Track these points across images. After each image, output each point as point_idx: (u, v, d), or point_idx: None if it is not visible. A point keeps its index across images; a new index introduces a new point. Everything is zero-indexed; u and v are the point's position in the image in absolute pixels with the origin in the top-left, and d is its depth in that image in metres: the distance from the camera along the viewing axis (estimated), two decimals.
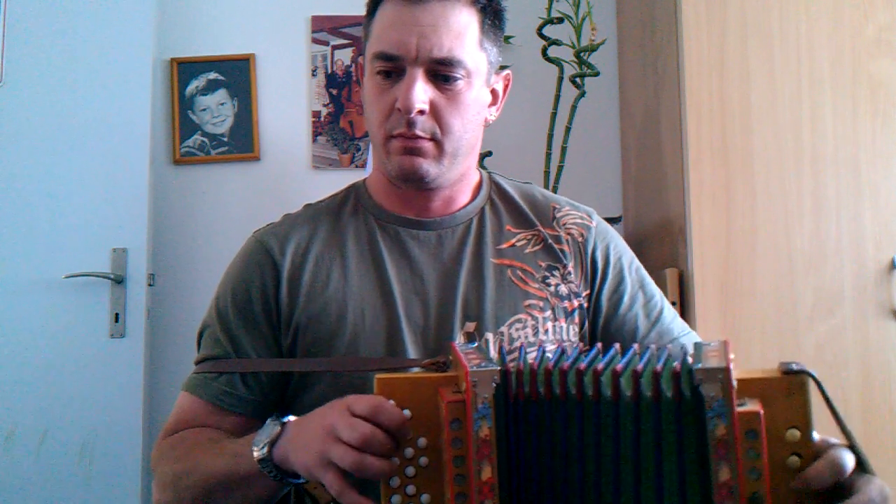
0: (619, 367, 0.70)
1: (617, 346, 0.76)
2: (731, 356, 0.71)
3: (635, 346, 0.75)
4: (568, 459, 0.71)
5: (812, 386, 0.69)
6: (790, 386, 0.69)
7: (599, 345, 0.77)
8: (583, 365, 0.71)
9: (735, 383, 0.66)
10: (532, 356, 0.75)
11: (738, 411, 0.66)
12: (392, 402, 0.72)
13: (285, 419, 0.83)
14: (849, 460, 0.68)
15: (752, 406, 0.67)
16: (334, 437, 0.72)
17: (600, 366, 0.71)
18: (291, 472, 0.81)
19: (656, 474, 0.69)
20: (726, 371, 0.66)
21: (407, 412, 0.73)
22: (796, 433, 0.68)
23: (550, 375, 0.71)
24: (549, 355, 0.75)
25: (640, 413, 0.69)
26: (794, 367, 0.70)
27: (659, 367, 0.68)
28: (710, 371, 0.66)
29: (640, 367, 0.69)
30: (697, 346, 0.73)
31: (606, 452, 0.70)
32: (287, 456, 0.80)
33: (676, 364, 0.68)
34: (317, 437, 0.75)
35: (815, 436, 0.69)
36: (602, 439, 0.70)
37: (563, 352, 0.75)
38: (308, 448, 0.76)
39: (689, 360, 0.69)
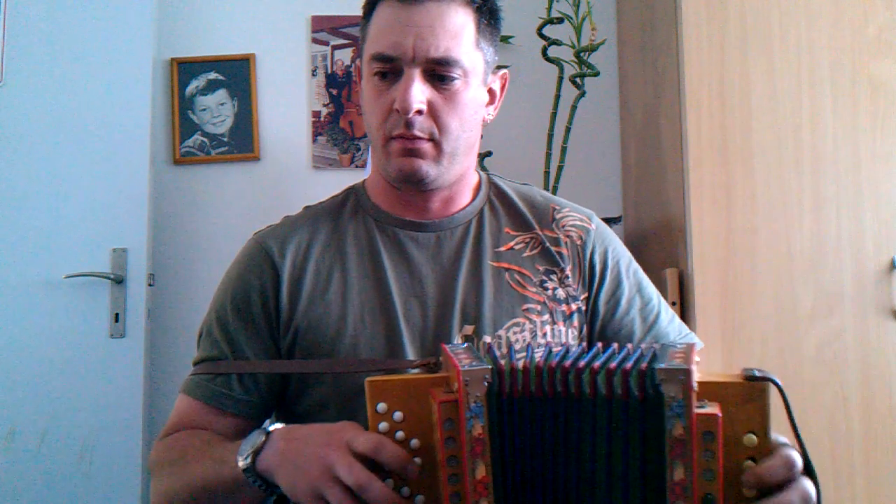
0: (597, 365, 0.71)
1: (599, 344, 0.77)
2: (697, 359, 0.72)
3: (614, 345, 0.76)
4: (558, 455, 0.72)
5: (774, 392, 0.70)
6: (751, 392, 0.69)
7: (584, 344, 0.78)
8: (568, 363, 0.72)
9: (696, 385, 0.67)
10: (521, 355, 0.76)
11: (696, 412, 0.67)
12: (401, 433, 0.72)
13: (270, 428, 0.83)
14: (798, 459, 0.69)
15: (711, 409, 0.68)
16: (331, 475, 0.72)
17: (581, 364, 0.72)
18: (276, 484, 0.80)
19: (623, 470, 0.70)
20: (687, 372, 0.67)
21: (399, 414, 0.73)
22: (753, 438, 0.69)
23: (539, 373, 0.72)
24: (538, 354, 0.75)
25: (613, 410, 0.70)
26: (757, 373, 0.70)
27: (628, 365, 0.69)
28: (671, 371, 0.67)
29: (613, 365, 0.70)
30: (664, 346, 0.74)
31: (586, 449, 0.71)
32: (272, 471, 0.79)
33: (643, 364, 0.69)
34: (311, 468, 0.74)
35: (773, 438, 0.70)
36: (584, 436, 0.71)
37: (550, 351, 0.76)
38: (299, 476, 0.75)
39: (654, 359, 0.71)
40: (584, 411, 0.71)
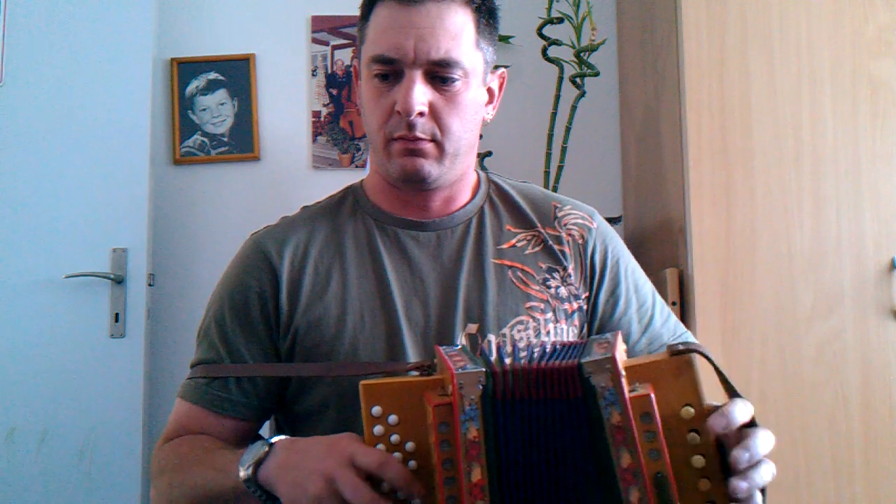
0: (534, 365, 0.72)
1: (550, 343, 0.77)
2: (623, 346, 0.74)
3: (558, 343, 0.76)
4: (554, 456, 0.72)
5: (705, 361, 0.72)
6: (678, 366, 0.71)
7: (560, 344, 0.78)
8: (535, 364, 0.72)
9: (623, 370, 0.68)
10: (508, 359, 0.76)
11: (629, 396, 0.68)
12: (398, 454, 0.73)
13: (273, 439, 0.82)
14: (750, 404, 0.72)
15: (644, 390, 0.69)
16: (333, 489, 0.72)
17: (544, 365, 0.72)
18: (276, 495, 0.80)
19: (588, 468, 0.71)
20: (612, 360, 0.68)
21: (394, 417, 0.73)
22: (690, 410, 0.70)
23: (517, 375, 0.72)
24: (522, 355, 0.75)
25: (571, 410, 0.71)
26: (681, 347, 0.72)
27: (557, 364, 0.70)
28: (597, 362, 0.68)
29: (550, 365, 0.71)
30: (590, 340, 0.75)
31: (569, 450, 0.72)
32: (273, 483, 0.79)
33: (572, 361, 0.70)
34: (312, 481, 0.73)
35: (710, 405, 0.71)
36: (567, 437, 0.72)
37: (532, 352, 0.76)
38: (300, 489, 0.75)
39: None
40: (562, 412, 0.71)
